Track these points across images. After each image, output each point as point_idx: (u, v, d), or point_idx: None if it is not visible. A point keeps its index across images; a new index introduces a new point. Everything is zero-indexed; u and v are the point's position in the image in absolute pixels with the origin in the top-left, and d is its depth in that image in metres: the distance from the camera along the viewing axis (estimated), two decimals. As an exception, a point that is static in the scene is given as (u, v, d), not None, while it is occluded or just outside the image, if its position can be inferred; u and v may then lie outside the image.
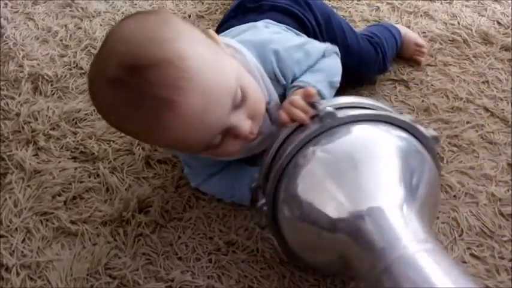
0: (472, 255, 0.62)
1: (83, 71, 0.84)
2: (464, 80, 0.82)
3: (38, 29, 0.92)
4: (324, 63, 0.64)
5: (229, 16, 0.75)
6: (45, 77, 0.83)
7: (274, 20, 0.68)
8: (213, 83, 0.49)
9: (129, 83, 0.47)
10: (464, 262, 0.62)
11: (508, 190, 0.69)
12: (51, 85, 0.82)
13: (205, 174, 0.66)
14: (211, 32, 0.56)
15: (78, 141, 0.74)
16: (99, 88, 0.50)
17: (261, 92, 0.57)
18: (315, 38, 0.71)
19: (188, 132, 0.50)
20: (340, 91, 0.67)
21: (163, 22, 0.50)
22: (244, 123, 0.53)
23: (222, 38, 0.59)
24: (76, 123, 0.77)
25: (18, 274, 0.61)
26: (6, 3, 0.97)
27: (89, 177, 0.70)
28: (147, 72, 0.46)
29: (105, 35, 0.54)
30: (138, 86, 0.47)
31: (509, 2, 0.96)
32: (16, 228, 0.65)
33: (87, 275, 0.61)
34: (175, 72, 0.46)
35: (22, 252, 0.63)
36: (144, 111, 0.48)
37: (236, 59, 0.56)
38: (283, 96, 0.62)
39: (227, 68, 0.52)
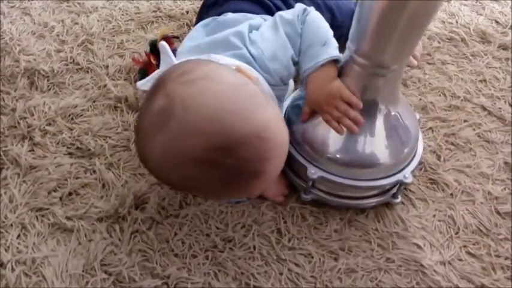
0: (468, 253, 0.63)
1: (79, 67, 0.84)
2: (461, 79, 0.82)
3: (34, 24, 0.91)
4: (307, 32, 0.62)
5: (196, 23, 0.75)
6: (42, 72, 0.82)
7: (233, 10, 0.69)
8: (285, 139, 0.52)
9: (221, 163, 0.47)
10: (461, 260, 0.62)
11: (505, 188, 0.69)
12: (48, 80, 0.81)
13: None
14: (244, 69, 0.56)
15: (74, 137, 0.74)
16: (177, 165, 0.48)
17: None
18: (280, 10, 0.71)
19: (264, 188, 0.56)
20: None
21: (233, 85, 0.50)
22: None
23: (230, 60, 0.59)
24: (72, 118, 0.76)
25: (13, 270, 0.60)
26: (2, -2, 0.96)
27: (85, 173, 0.70)
28: (240, 150, 0.47)
29: (173, 104, 0.47)
30: (231, 165, 0.47)
31: (508, 1, 0.96)
32: (11, 224, 0.64)
33: (83, 271, 0.60)
34: (264, 144, 0.48)
35: (17, 248, 0.62)
36: (235, 185, 0.50)
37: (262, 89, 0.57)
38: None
39: (280, 115, 0.54)
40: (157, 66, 0.75)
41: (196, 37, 0.68)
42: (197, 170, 0.47)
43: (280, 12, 0.64)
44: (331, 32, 0.63)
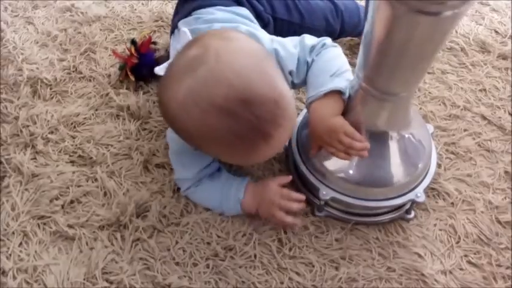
0: (469, 262, 0.63)
1: (82, 75, 0.84)
2: (461, 88, 0.83)
3: (37, 33, 0.92)
4: (317, 64, 0.64)
5: (173, 18, 0.77)
6: (44, 80, 0.83)
7: (205, 4, 0.71)
8: (294, 116, 0.56)
9: (239, 114, 0.51)
10: (462, 269, 0.62)
11: (505, 198, 0.69)
12: (50, 89, 0.82)
13: (195, 177, 0.65)
14: None
15: (76, 145, 0.74)
16: (199, 108, 0.52)
17: None
18: (252, 6, 0.73)
19: (268, 156, 0.58)
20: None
21: (261, 50, 0.56)
22: None
23: None
24: (75, 127, 0.77)
25: (14, 278, 0.60)
26: (6, 7, 0.97)
27: (87, 181, 0.70)
28: (257, 108, 0.51)
29: (208, 53, 0.53)
30: (246, 119, 0.51)
31: (507, 11, 0.96)
32: (13, 232, 0.65)
33: (84, 279, 0.60)
34: (278, 109, 0.52)
35: (19, 256, 0.63)
36: (245, 141, 0.53)
37: None
38: None
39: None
40: (137, 58, 0.80)
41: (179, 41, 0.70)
42: (216, 117, 0.51)
43: (306, 35, 0.67)
44: (345, 67, 0.63)
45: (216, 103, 0.51)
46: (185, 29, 0.61)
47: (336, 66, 0.63)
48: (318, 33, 0.69)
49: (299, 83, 0.66)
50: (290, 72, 0.64)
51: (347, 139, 0.58)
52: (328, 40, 0.66)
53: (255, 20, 0.72)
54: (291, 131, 0.57)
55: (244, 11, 0.72)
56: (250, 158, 0.58)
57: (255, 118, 0.51)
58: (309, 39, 0.66)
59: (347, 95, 0.61)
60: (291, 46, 0.65)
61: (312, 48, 0.64)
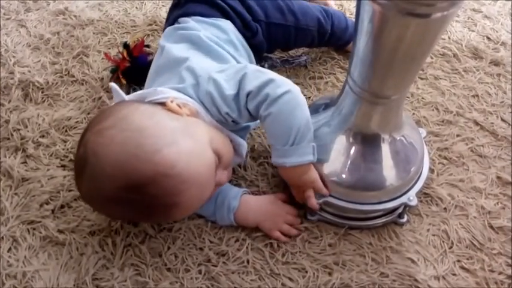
0: (462, 267, 0.63)
1: (74, 79, 0.84)
2: (454, 94, 0.83)
3: (30, 36, 0.91)
4: (275, 123, 0.58)
5: (166, 21, 0.78)
6: (36, 84, 0.82)
7: (191, 12, 0.71)
8: (200, 170, 0.55)
9: (133, 200, 0.53)
10: (454, 274, 0.62)
11: (498, 203, 0.69)
12: (42, 92, 0.81)
13: None
14: (173, 105, 0.58)
15: (67, 149, 0.73)
16: (99, 203, 0.56)
17: (227, 142, 0.62)
18: (238, 16, 0.72)
19: (191, 211, 0.61)
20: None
21: (137, 131, 0.53)
22: (223, 177, 0.60)
23: (175, 93, 0.60)
24: (66, 131, 0.76)
25: (3, 284, 0.59)
26: (-2, 10, 0.97)
27: (78, 185, 0.70)
28: (147, 188, 0.52)
29: (87, 152, 0.53)
30: (142, 200, 0.53)
31: (499, 18, 0.97)
32: (2, 237, 0.64)
33: (74, 285, 0.60)
34: (171, 181, 0.52)
35: (8, 261, 0.62)
36: (153, 216, 0.57)
37: (199, 119, 0.59)
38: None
39: (203, 144, 0.56)
40: (129, 62, 0.80)
41: (157, 57, 0.70)
42: (116, 206, 0.54)
43: (247, 71, 0.59)
44: (304, 123, 0.58)
45: (108, 197, 0.53)
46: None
47: (295, 127, 0.58)
48: (311, 35, 0.68)
49: (247, 122, 0.64)
50: (227, 113, 0.60)
51: (309, 192, 0.62)
52: (271, 87, 0.57)
53: (234, 36, 0.70)
54: (205, 181, 0.55)
55: (227, 24, 0.71)
56: (171, 219, 0.64)
57: (151, 197, 0.52)
58: (249, 82, 0.58)
59: (315, 158, 0.60)
60: (227, 87, 0.59)
61: (249, 94, 0.58)
